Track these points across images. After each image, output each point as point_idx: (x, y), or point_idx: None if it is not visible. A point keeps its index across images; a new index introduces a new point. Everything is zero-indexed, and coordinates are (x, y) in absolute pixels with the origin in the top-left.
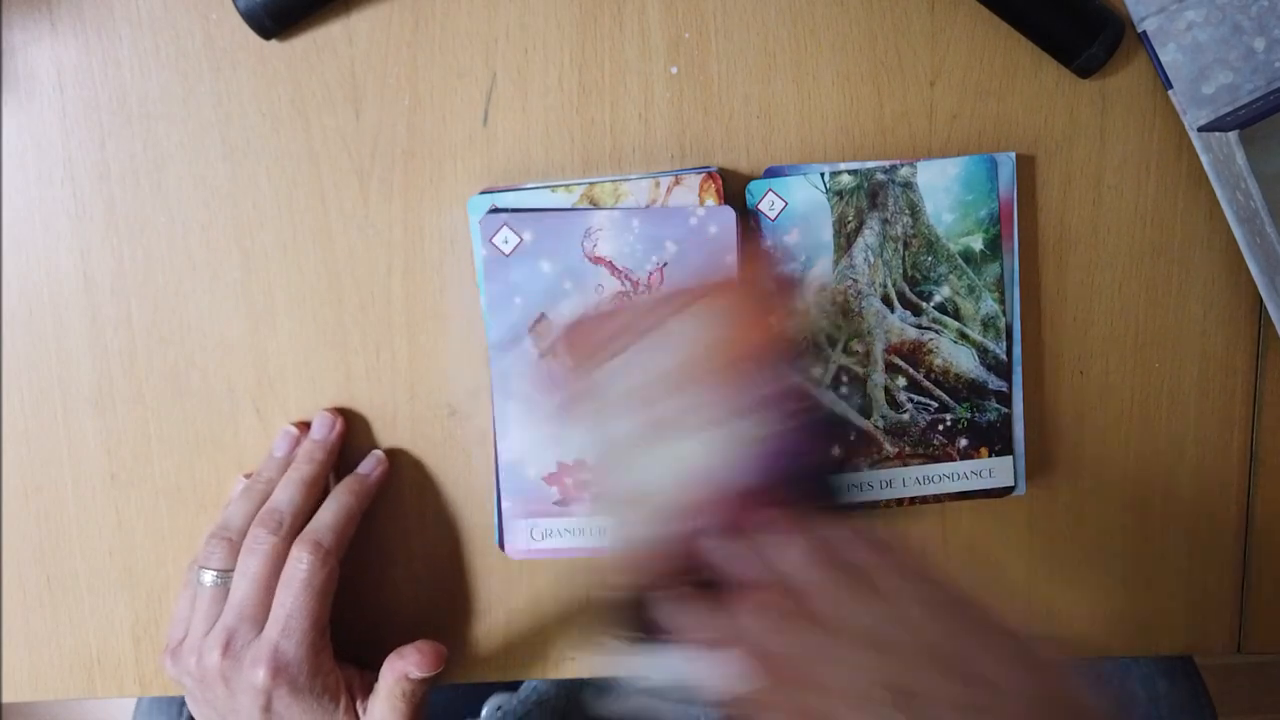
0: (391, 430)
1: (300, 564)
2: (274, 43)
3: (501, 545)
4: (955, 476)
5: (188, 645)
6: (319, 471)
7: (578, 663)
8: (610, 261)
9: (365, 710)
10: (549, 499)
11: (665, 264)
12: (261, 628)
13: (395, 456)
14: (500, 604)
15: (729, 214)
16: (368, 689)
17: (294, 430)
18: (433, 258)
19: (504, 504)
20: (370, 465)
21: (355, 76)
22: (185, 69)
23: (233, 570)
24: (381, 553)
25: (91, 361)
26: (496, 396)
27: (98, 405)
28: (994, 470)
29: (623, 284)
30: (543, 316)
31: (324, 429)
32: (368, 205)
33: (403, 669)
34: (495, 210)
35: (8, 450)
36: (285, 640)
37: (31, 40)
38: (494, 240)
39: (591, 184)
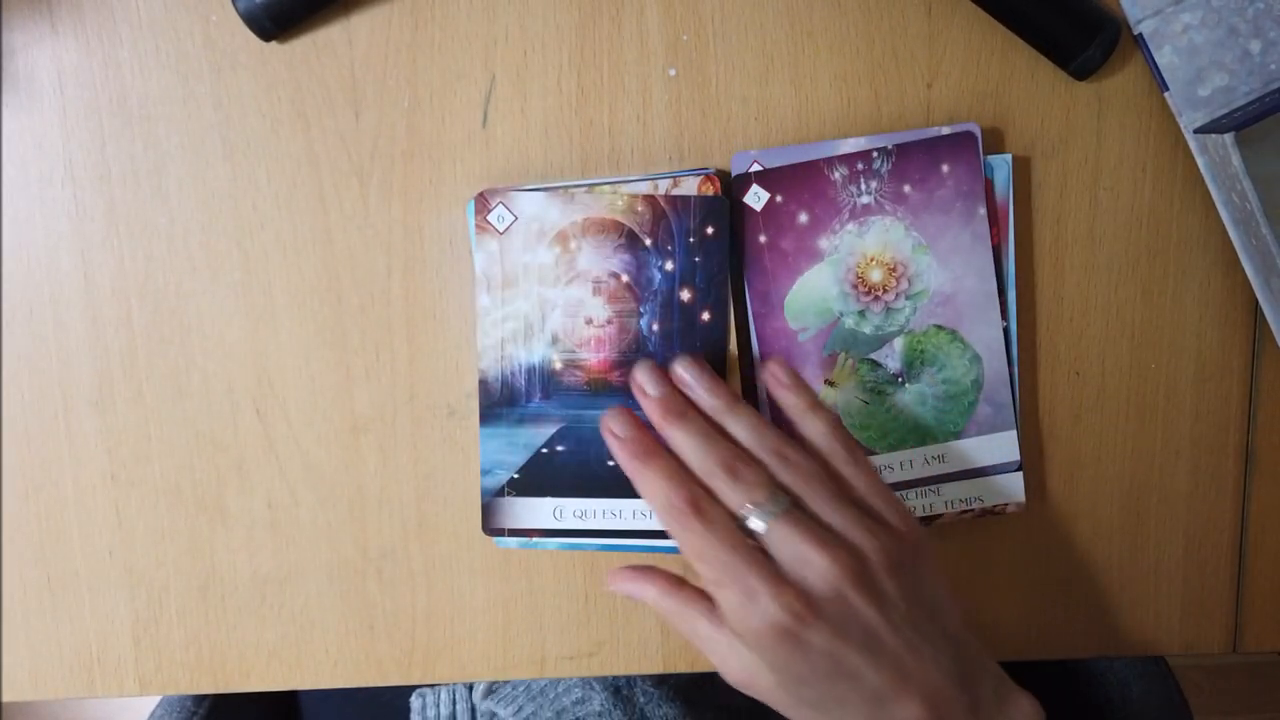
0: (390, 430)
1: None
2: (274, 44)
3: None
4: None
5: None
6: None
7: (574, 663)
8: None
9: None
10: None
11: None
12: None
13: (393, 457)
14: (497, 604)
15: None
16: None
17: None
18: (432, 259)
19: None
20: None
21: (355, 78)
22: (185, 70)
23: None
24: (379, 552)
25: (92, 362)
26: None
27: (98, 405)
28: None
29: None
30: None
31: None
32: (367, 206)
33: None
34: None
35: (8, 450)
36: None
37: (32, 41)
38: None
39: (590, 185)
